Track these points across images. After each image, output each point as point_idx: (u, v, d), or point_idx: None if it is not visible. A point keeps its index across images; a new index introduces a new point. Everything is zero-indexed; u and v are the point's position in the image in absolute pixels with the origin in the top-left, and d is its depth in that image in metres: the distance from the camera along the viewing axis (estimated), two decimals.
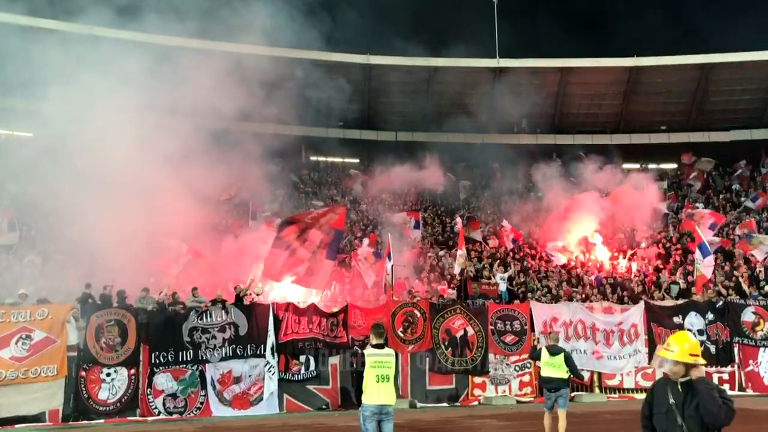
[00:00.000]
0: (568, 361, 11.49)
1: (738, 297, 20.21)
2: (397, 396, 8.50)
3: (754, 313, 19.19)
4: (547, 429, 11.40)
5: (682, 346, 4.73)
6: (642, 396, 17.84)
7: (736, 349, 19.02)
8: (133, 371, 15.54)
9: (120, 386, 15.38)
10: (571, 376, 11.69)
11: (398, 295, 19.69)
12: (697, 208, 28.94)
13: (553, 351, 11.63)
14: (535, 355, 12.33)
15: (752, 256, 23.47)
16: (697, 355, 4.75)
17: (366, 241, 23.74)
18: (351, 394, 16.25)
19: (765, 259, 23.10)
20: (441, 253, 25.41)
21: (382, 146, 33.60)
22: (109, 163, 18.99)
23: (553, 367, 11.50)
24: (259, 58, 26.99)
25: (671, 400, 4.71)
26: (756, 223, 25.90)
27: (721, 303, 19.37)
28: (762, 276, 21.82)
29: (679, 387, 4.72)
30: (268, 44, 28.22)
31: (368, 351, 8.33)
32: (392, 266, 18.99)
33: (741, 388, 18.72)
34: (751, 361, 19.06)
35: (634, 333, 18.96)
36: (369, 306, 18.80)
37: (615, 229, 27.96)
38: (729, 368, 18.96)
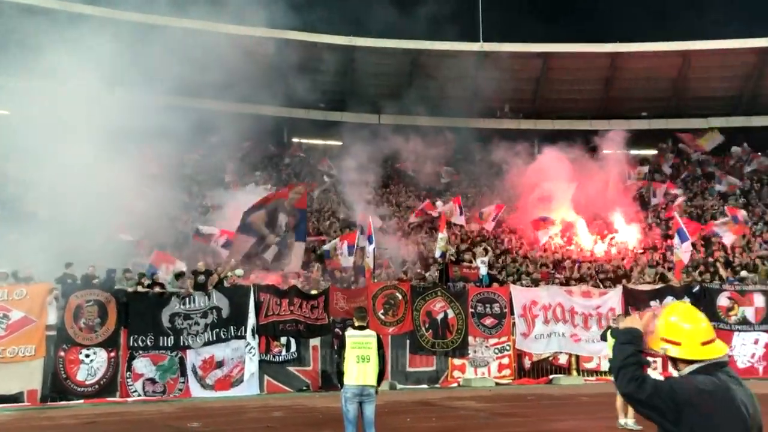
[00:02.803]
0: None
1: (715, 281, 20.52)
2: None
3: (729, 297, 19.44)
4: (617, 407, 11.59)
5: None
6: None
7: None
8: (112, 353, 15.40)
9: (99, 368, 15.24)
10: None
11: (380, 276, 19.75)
12: (677, 195, 29.25)
13: (616, 333, 11.74)
14: (603, 337, 12.39)
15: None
16: (670, 341, 3.18)
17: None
18: (332, 376, 16.30)
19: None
20: (423, 236, 25.44)
21: (365, 129, 33.36)
22: (82, 142, 18.72)
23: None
24: (240, 38, 26.68)
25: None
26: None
27: (697, 287, 19.63)
28: (737, 261, 22.15)
29: None
30: (248, 24, 27.90)
31: (349, 332, 8.49)
32: (374, 249, 18.98)
33: None
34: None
35: (612, 316, 19.14)
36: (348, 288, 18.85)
37: (593, 214, 28.17)
38: None
